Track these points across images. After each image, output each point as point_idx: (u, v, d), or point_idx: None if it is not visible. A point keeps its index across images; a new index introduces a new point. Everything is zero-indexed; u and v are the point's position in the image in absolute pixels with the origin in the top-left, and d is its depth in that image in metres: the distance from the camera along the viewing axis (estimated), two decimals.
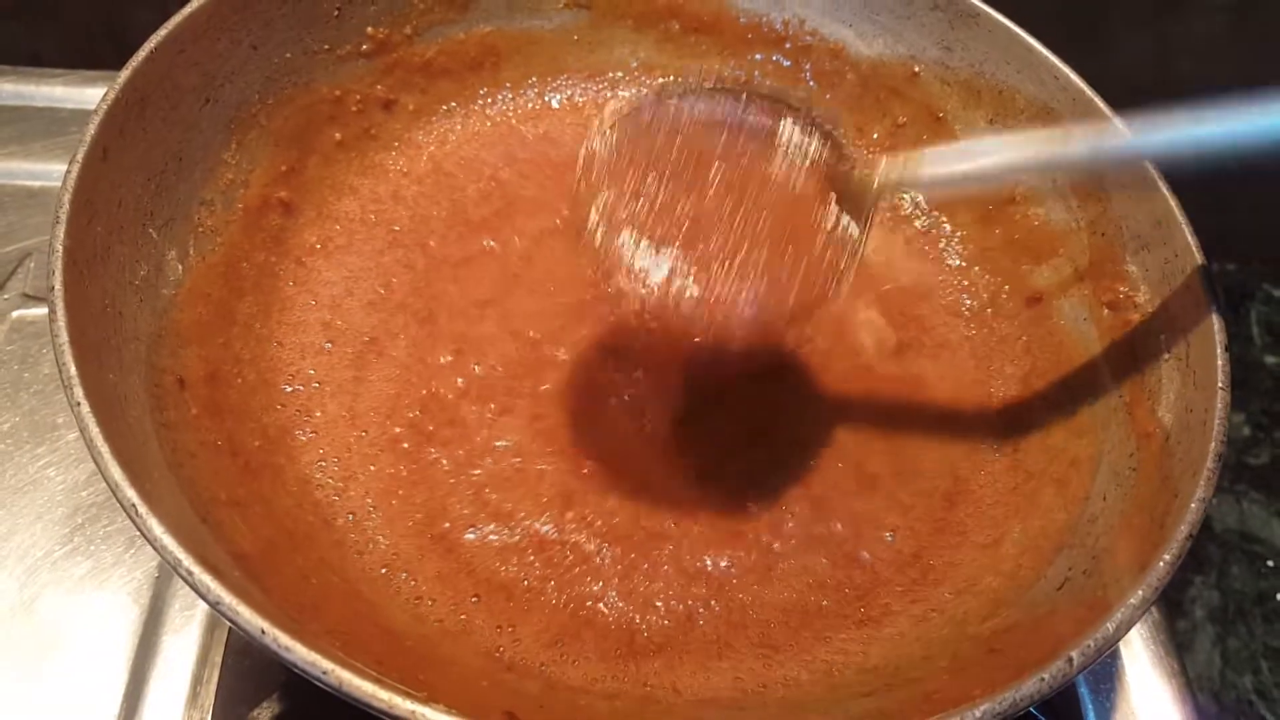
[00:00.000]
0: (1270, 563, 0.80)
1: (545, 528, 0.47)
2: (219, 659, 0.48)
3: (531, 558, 0.46)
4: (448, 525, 0.47)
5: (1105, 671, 0.52)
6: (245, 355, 0.49)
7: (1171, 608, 0.76)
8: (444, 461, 0.49)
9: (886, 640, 0.45)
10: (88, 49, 0.69)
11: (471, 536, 0.47)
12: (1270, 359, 0.92)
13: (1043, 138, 0.44)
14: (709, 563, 0.47)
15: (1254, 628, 0.77)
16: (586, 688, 0.42)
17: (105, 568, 0.51)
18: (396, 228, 0.57)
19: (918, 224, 0.61)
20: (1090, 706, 0.51)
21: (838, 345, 0.55)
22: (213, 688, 0.48)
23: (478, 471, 0.48)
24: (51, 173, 0.64)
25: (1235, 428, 0.88)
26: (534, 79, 0.64)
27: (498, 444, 0.49)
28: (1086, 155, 0.42)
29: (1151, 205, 0.50)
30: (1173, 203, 0.49)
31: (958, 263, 0.59)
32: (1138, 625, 0.53)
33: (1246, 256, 0.95)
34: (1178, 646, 0.54)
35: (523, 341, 0.53)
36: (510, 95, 0.64)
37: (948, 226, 0.60)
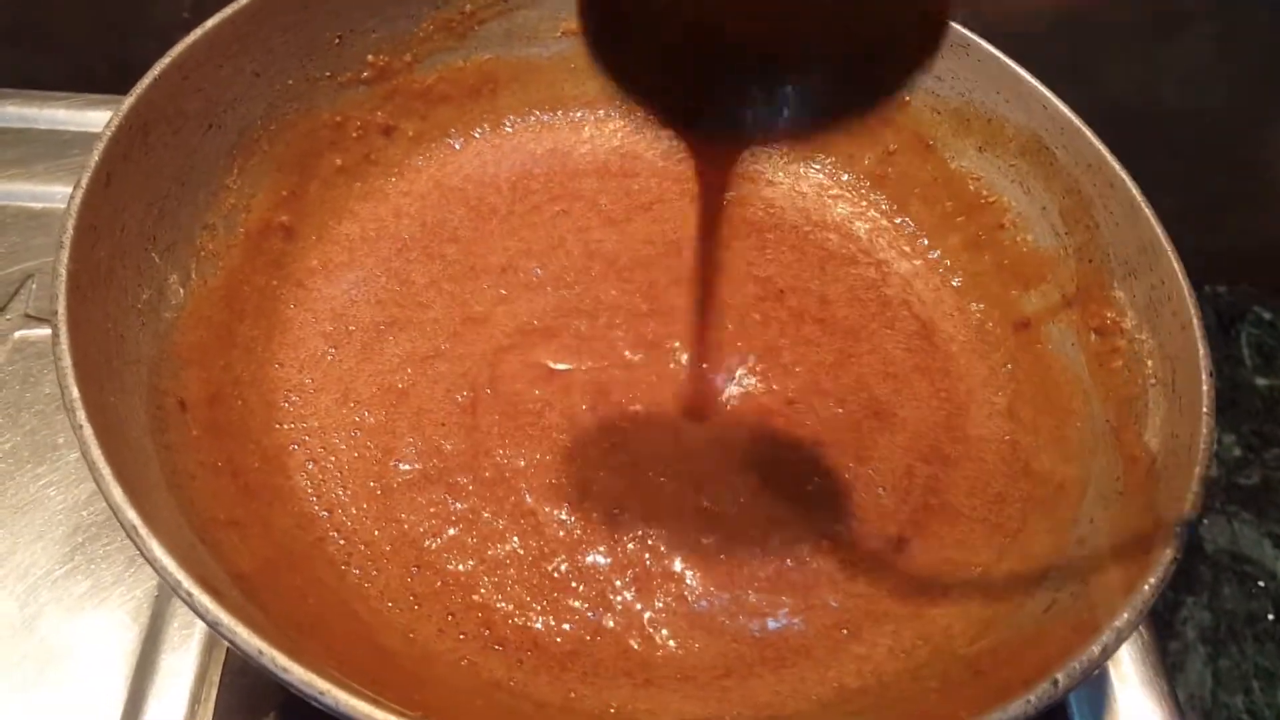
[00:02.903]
0: (1261, 583, 0.80)
1: (530, 552, 0.47)
2: (217, 678, 0.48)
3: (514, 578, 0.47)
4: (430, 545, 0.47)
5: (1095, 693, 0.52)
6: (245, 377, 0.50)
7: (1163, 628, 0.77)
8: (421, 500, 0.49)
9: (875, 661, 0.45)
10: (88, 73, 0.70)
11: (457, 566, 0.47)
12: (1261, 380, 0.93)
13: None
14: (710, 601, 0.47)
15: (1245, 648, 0.77)
16: (574, 708, 0.43)
17: (105, 586, 0.51)
18: (406, 236, 0.58)
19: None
20: None
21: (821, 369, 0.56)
22: (210, 706, 0.48)
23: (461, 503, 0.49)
24: (54, 194, 0.65)
25: (1226, 449, 0.89)
26: (532, 106, 0.65)
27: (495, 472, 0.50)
28: None
29: (1138, 231, 0.50)
30: (1159, 229, 0.49)
31: (955, 284, 0.60)
32: (1127, 647, 0.54)
33: (1237, 279, 0.95)
34: (1168, 668, 0.54)
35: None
36: (509, 123, 0.65)
37: (937, 253, 0.61)
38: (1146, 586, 0.38)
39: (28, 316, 0.60)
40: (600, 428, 0.51)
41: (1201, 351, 0.45)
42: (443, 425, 0.51)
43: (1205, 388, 0.44)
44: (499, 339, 0.54)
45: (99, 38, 0.80)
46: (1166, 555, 0.39)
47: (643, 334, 0.55)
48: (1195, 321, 0.46)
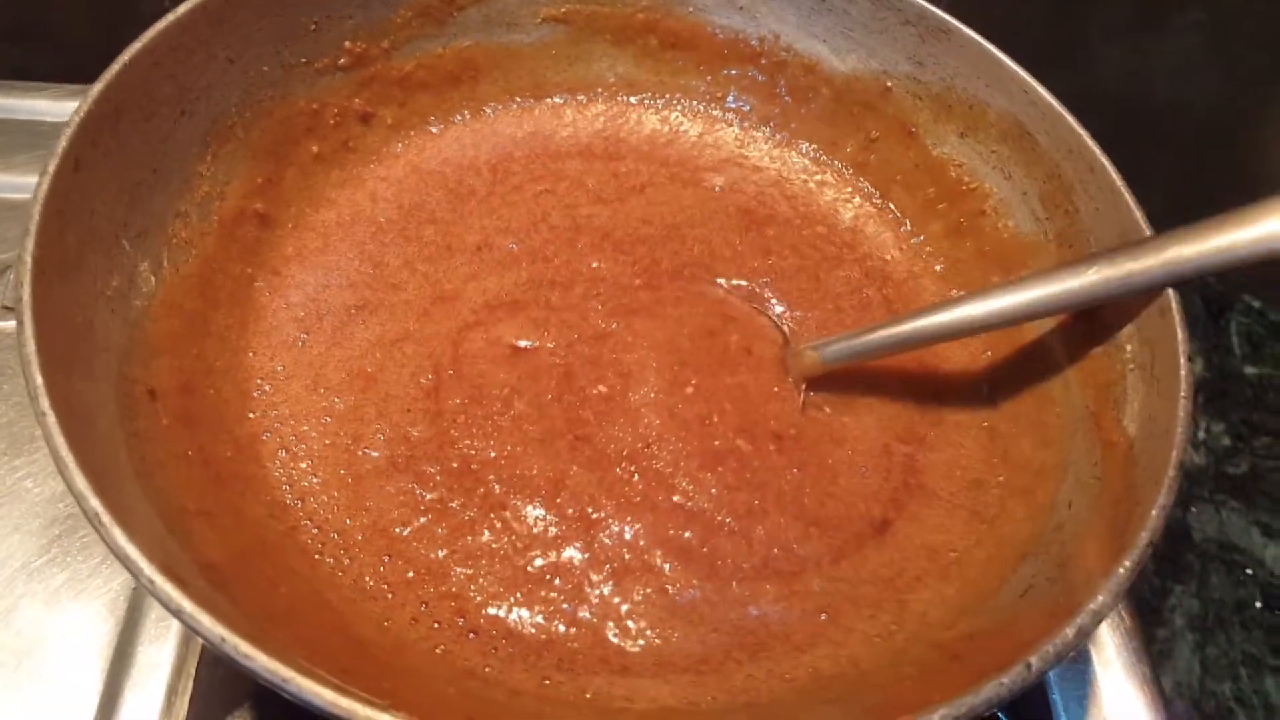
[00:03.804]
0: (1249, 571, 0.80)
1: (503, 545, 0.47)
2: (194, 669, 0.48)
3: (486, 569, 0.46)
4: (400, 534, 0.47)
5: (1078, 679, 0.52)
6: (219, 366, 0.50)
7: (1151, 616, 0.77)
8: (401, 488, 0.49)
9: (851, 647, 0.45)
10: (77, 66, 0.70)
11: (429, 555, 0.47)
12: (1250, 369, 0.92)
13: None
14: (693, 594, 0.47)
15: (1233, 636, 0.77)
16: (548, 696, 0.42)
17: (82, 578, 0.51)
18: (382, 220, 0.58)
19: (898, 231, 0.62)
20: (1063, 715, 0.51)
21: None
22: (187, 697, 0.48)
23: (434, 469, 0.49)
24: (33, 186, 0.64)
25: (1215, 437, 0.89)
26: (513, 93, 0.65)
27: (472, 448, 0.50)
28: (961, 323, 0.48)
29: (1118, 216, 0.50)
30: (1138, 214, 0.49)
31: (937, 269, 0.60)
32: (1111, 633, 0.54)
33: None
34: (1152, 654, 0.54)
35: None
36: (489, 108, 0.64)
37: (919, 240, 0.61)
38: (1121, 570, 0.38)
39: (5, 308, 0.60)
40: (566, 418, 0.51)
41: (1180, 336, 0.45)
42: (408, 411, 0.50)
43: (1183, 372, 0.44)
44: (465, 315, 0.54)
45: (94, 30, 0.80)
46: (1142, 539, 0.39)
47: (625, 303, 0.55)
48: (1174, 306, 0.46)
